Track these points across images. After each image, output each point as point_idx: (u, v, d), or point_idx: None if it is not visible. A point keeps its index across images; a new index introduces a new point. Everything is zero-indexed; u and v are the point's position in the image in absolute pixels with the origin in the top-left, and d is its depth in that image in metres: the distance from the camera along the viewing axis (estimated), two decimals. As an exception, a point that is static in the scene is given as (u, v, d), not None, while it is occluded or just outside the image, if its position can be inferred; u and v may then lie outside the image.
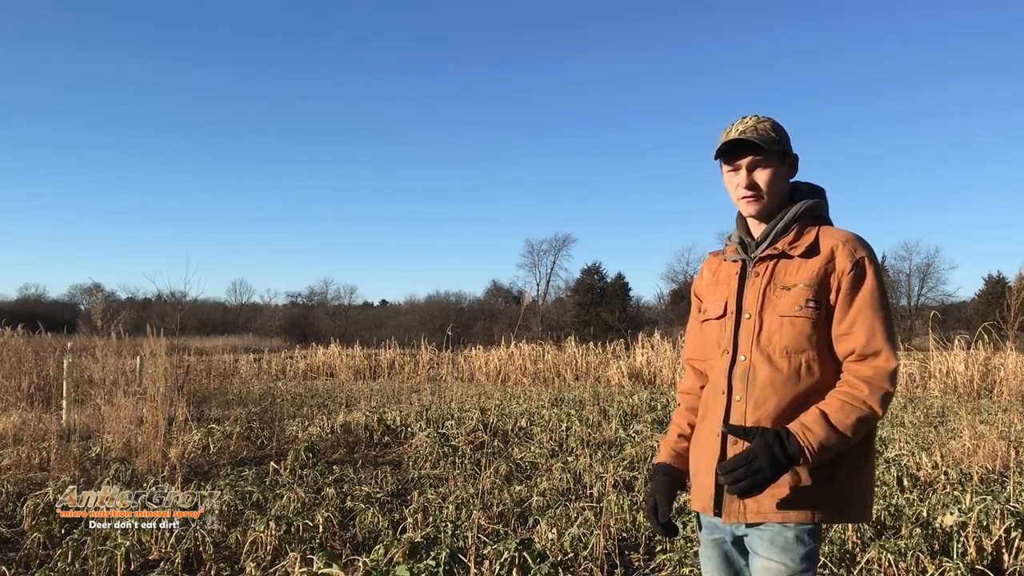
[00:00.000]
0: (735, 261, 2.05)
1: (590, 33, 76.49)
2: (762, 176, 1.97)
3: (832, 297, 1.90)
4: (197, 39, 76.45)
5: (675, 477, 2.11)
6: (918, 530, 4.22)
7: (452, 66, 79.14)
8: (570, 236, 61.34)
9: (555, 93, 78.41)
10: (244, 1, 76.19)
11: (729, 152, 1.99)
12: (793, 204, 2.01)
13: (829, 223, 2.03)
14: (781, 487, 1.85)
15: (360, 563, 3.83)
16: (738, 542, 2.01)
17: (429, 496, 5.38)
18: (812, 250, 1.93)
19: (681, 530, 4.36)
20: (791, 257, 1.95)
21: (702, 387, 2.15)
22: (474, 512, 4.92)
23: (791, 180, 2.07)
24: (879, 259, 1.98)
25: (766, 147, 1.94)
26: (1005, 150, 67.31)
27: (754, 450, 1.77)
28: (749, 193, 1.98)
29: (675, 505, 5.10)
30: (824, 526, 2.02)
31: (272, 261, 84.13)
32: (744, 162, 1.97)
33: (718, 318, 2.05)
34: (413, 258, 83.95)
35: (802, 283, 1.91)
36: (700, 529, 2.11)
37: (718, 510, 1.95)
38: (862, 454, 1.92)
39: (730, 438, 1.93)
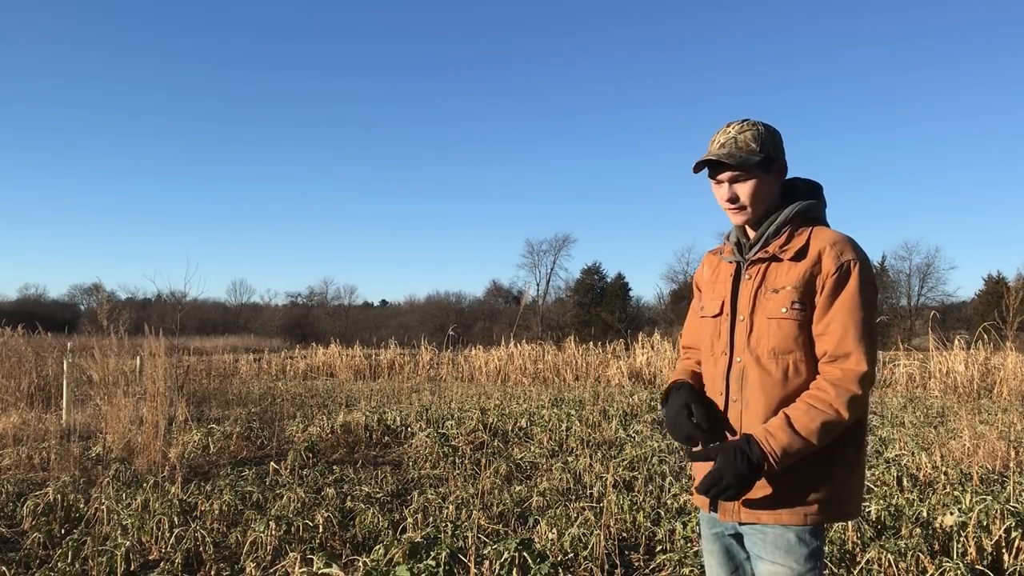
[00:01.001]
0: (731, 262, 2.07)
1: (590, 35, 76.56)
2: (743, 189, 1.98)
3: (817, 299, 1.91)
4: (198, 41, 76.50)
5: (698, 392, 2.07)
6: (918, 530, 4.22)
7: (453, 68, 79.20)
8: (570, 236, 61.47)
9: (555, 94, 78.50)
10: (243, 3, 76.19)
11: (708, 167, 2.01)
12: (786, 205, 2.01)
13: (824, 223, 2.03)
14: (776, 488, 1.87)
15: (360, 563, 3.83)
16: (739, 536, 2.02)
17: (429, 496, 5.38)
18: (801, 253, 1.94)
19: (681, 530, 4.36)
20: (781, 260, 1.96)
21: (697, 362, 2.19)
22: (474, 512, 4.92)
23: (788, 178, 2.06)
24: (871, 261, 1.99)
25: (740, 166, 1.94)
26: (1005, 151, 67.35)
27: (719, 469, 1.81)
28: (732, 206, 2.00)
29: (675, 505, 5.11)
30: (825, 524, 2.03)
31: (272, 261, 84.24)
32: (724, 177, 1.99)
33: (713, 316, 2.07)
34: (413, 258, 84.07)
35: (789, 285, 1.92)
36: (702, 523, 2.12)
37: (714, 507, 1.98)
38: (853, 455, 1.94)
39: (727, 437, 1.95)
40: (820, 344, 1.89)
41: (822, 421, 1.80)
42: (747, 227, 2.06)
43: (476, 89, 79.12)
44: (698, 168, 2.02)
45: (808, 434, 1.80)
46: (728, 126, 2.01)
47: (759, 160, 1.95)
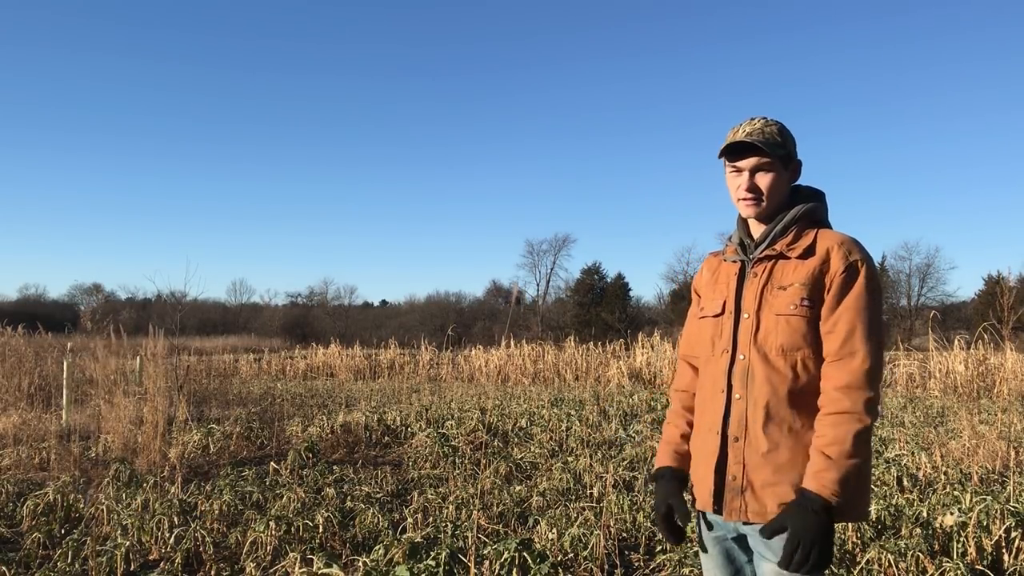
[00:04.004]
0: (734, 262, 2.08)
1: (590, 34, 76.56)
2: (764, 180, 1.99)
3: (825, 297, 1.92)
4: (197, 40, 76.47)
5: (681, 480, 2.11)
6: (918, 530, 4.22)
7: (452, 67, 79.18)
8: (570, 236, 61.48)
9: (555, 93, 78.46)
10: (242, 2, 76.19)
11: (733, 152, 2.01)
12: (793, 207, 2.03)
13: (828, 226, 2.06)
14: (782, 486, 1.87)
15: (360, 563, 3.82)
16: (740, 539, 2.02)
17: (429, 496, 5.38)
18: (809, 251, 1.95)
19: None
20: (788, 258, 1.97)
21: (689, 404, 2.17)
22: (474, 512, 4.92)
23: (793, 184, 2.08)
24: (875, 262, 2.00)
25: (770, 151, 1.96)
26: (1005, 150, 67.34)
27: (796, 535, 1.76)
28: (749, 196, 2.00)
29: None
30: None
31: (272, 261, 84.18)
32: (747, 164, 1.99)
33: (715, 316, 2.07)
34: (413, 258, 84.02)
35: (798, 283, 1.93)
36: (701, 527, 2.11)
37: (718, 507, 1.96)
38: None
39: (729, 435, 1.95)
40: (827, 342, 1.90)
41: (853, 435, 1.79)
42: (751, 225, 2.07)
43: (476, 89, 79.17)
44: (725, 152, 2.01)
45: (850, 456, 1.79)
46: (752, 120, 2.03)
47: (783, 153, 1.99)
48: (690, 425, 2.15)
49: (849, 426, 1.81)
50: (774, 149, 1.96)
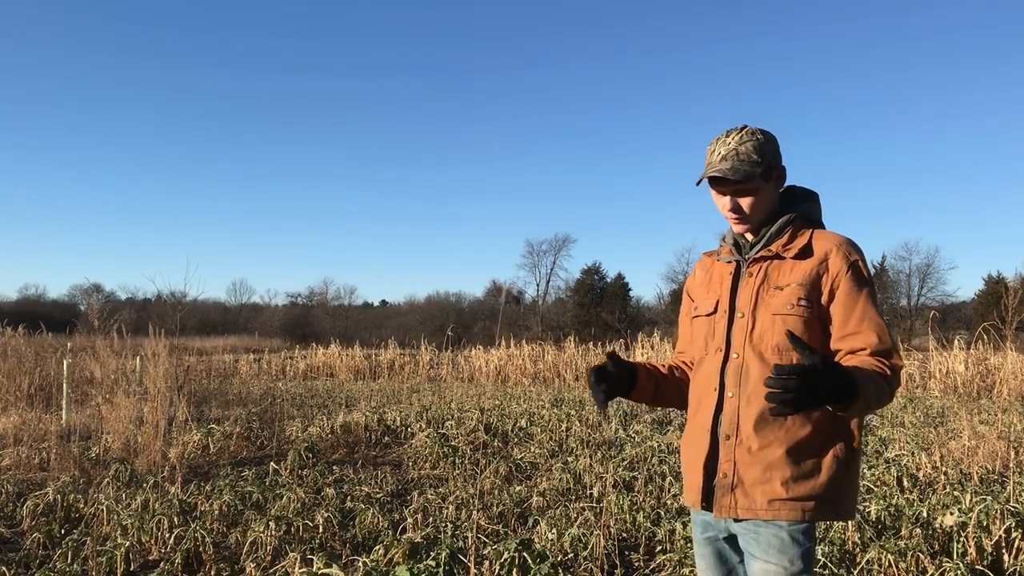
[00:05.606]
0: (729, 262, 2.09)
1: (590, 34, 76.52)
2: (746, 201, 2.01)
3: (824, 298, 1.93)
4: (197, 40, 76.46)
5: (633, 368, 2.11)
6: (918, 530, 4.22)
7: (452, 67, 79.15)
8: (570, 236, 61.34)
9: (555, 94, 78.43)
10: (242, 2, 76.19)
11: (711, 183, 2.03)
12: (787, 208, 2.05)
13: (822, 226, 2.07)
14: (772, 484, 1.88)
15: (360, 563, 3.83)
16: (731, 539, 2.03)
17: (429, 496, 5.38)
18: (805, 252, 1.97)
19: (681, 530, 4.37)
20: (784, 259, 1.98)
21: (688, 364, 2.21)
22: (474, 512, 4.92)
23: (786, 184, 2.09)
24: (872, 260, 2.01)
25: (744, 180, 1.95)
26: (1006, 150, 67.32)
27: (814, 368, 1.63)
28: (734, 216, 2.03)
29: (675, 505, 5.11)
30: (820, 526, 2.03)
31: (272, 261, 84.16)
32: (727, 190, 2.01)
33: (708, 315, 2.08)
34: (413, 258, 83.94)
35: (795, 283, 1.94)
36: (695, 526, 2.12)
37: (707, 504, 1.98)
38: (849, 451, 1.94)
39: (721, 433, 1.96)
40: (854, 341, 1.90)
41: (882, 397, 1.80)
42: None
43: (476, 89, 79.09)
44: (700, 182, 2.04)
45: (876, 403, 1.80)
46: (727, 136, 2.00)
47: (761, 171, 1.98)
48: (673, 367, 2.22)
49: (885, 392, 1.80)
50: (750, 174, 1.95)
